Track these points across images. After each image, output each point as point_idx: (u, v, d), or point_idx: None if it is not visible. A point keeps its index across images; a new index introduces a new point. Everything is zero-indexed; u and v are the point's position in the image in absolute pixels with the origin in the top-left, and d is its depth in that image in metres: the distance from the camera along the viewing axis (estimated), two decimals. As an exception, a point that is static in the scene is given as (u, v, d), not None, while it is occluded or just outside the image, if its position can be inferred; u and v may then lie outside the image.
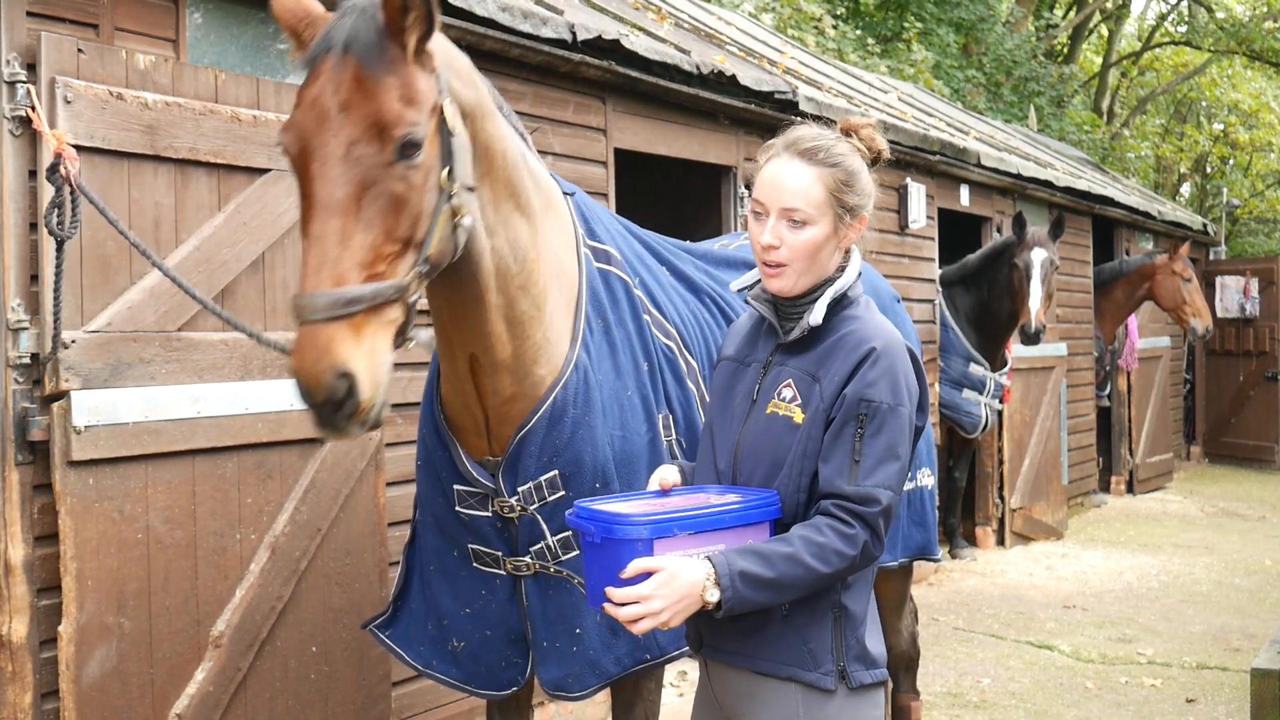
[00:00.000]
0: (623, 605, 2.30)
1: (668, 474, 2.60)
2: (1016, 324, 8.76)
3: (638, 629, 2.32)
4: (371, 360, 2.28)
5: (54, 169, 3.20)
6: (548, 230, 2.92)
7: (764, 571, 2.32)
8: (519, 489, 2.93)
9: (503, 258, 2.76)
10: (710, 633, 2.57)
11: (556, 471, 2.93)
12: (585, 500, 2.49)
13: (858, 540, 2.35)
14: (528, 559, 3.00)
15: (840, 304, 2.53)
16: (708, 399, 3.37)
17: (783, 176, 2.47)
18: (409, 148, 2.37)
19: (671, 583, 2.29)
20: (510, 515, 2.96)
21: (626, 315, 3.16)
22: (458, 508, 3.02)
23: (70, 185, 3.20)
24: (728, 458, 2.57)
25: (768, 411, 2.51)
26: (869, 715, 2.51)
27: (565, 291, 3.00)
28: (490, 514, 2.98)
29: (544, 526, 2.95)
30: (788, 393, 2.49)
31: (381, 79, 2.35)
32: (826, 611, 2.47)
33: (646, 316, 3.23)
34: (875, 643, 2.55)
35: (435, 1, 2.40)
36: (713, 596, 2.30)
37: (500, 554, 3.04)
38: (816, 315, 2.48)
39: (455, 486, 3.01)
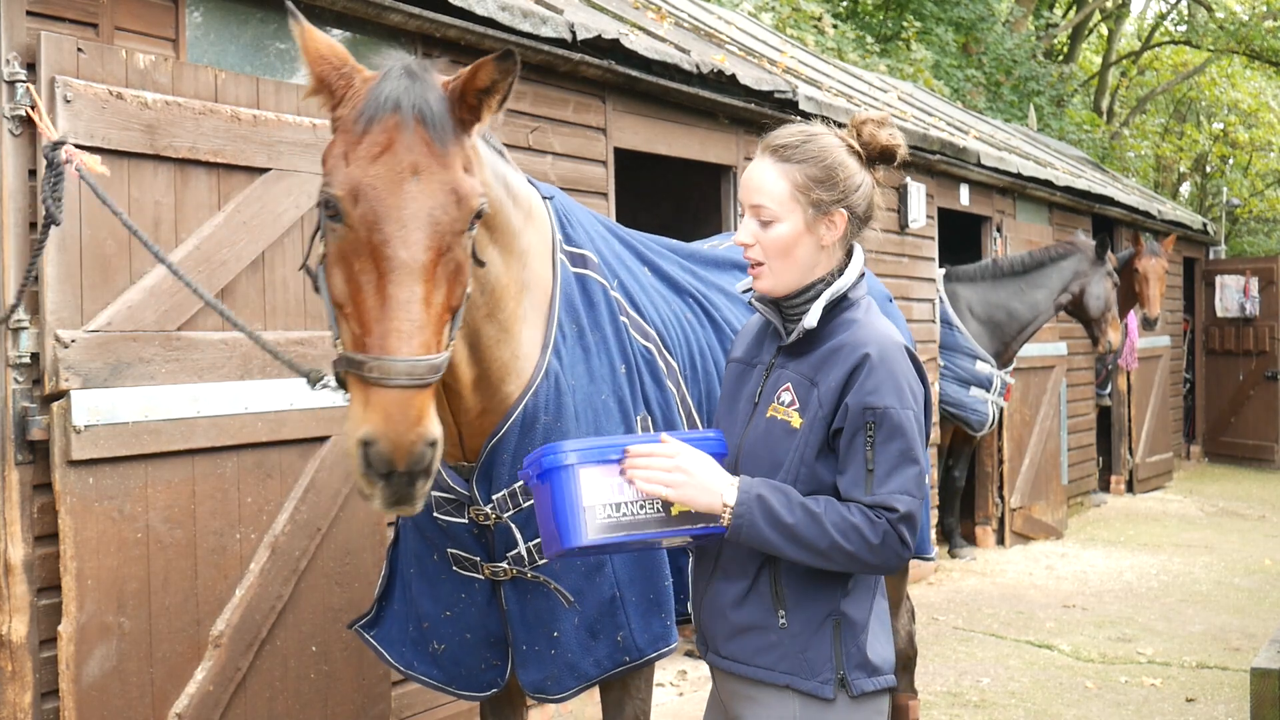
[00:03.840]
0: (646, 467, 2.35)
1: None
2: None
3: (649, 488, 2.35)
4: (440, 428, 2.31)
5: (56, 147, 3.14)
6: (523, 247, 2.90)
7: (782, 511, 2.33)
8: (493, 497, 2.95)
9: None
10: (715, 638, 2.57)
11: None
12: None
13: (879, 530, 2.34)
14: (504, 564, 3.02)
15: (840, 306, 2.50)
16: (688, 399, 3.38)
17: (752, 175, 2.51)
18: (478, 217, 2.41)
19: (702, 465, 2.37)
20: (486, 523, 2.99)
21: (604, 318, 3.15)
22: (435, 514, 3.04)
23: (70, 164, 3.13)
24: (729, 460, 2.57)
25: (767, 415, 2.50)
26: None
27: (538, 299, 2.99)
28: (467, 520, 3.01)
29: (518, 534, 2.97)
30: (786, 397, 2.48)
31: (451, 148, 2.36)
32: (825, 619, 2.45)
33: (624, 318, 3.22)
34: (882, 649, 2.51)
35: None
36: (730, 498, 2.35)
37: (478, 559, 3.06)
38: (811, 318, 2.47)
39: (433, 493, 3.02)
